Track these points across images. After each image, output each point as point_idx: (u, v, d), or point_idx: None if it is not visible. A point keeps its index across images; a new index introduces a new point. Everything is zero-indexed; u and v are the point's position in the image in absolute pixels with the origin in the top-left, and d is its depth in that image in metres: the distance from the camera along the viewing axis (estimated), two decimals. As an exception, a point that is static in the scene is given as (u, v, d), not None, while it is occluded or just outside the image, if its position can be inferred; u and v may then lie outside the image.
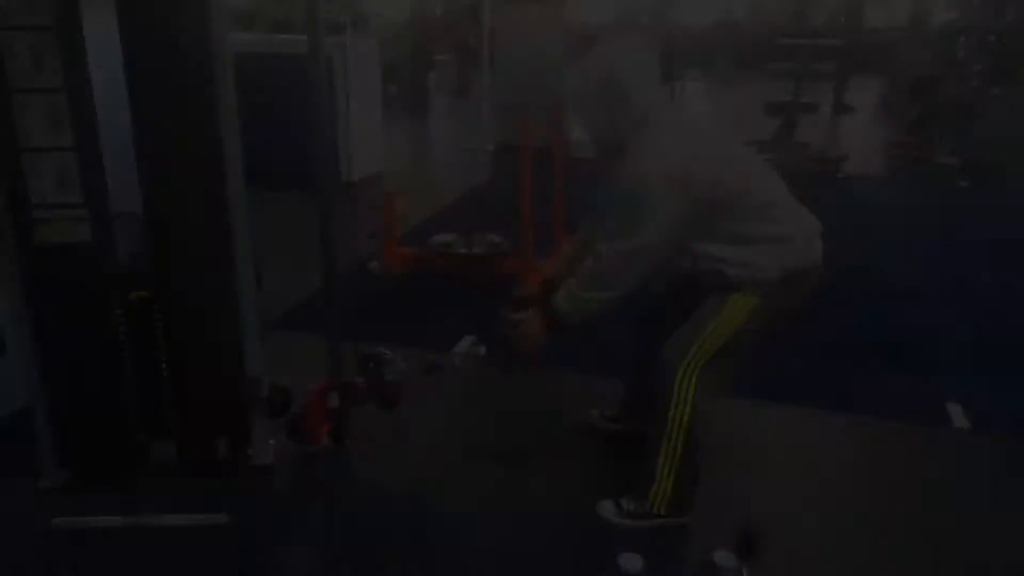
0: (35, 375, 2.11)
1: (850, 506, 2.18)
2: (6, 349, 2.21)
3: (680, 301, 2.06)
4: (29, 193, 1.95)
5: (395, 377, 2.41)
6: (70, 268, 2.03)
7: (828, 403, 2.71)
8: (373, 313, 3.40)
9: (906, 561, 1.96)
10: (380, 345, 2.43)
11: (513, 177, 3.66)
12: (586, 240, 2.23)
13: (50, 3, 1.83)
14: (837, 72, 9.28)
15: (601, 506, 2.13)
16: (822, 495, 2.23)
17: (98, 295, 2.08)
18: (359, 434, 2.41)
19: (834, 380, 2.89)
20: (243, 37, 5.92)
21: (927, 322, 3.41)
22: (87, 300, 2.08)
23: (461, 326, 3.19)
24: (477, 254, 3.83)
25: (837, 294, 2.78)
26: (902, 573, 1.93)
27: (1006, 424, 2.61)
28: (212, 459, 2.29)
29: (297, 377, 2.32)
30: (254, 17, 9.24)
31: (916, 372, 2.95)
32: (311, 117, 2.23)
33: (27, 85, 1.87)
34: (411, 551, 1.97)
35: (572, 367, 2.86)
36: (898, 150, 6.98)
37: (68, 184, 1.96)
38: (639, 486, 2.07)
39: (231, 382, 2.21)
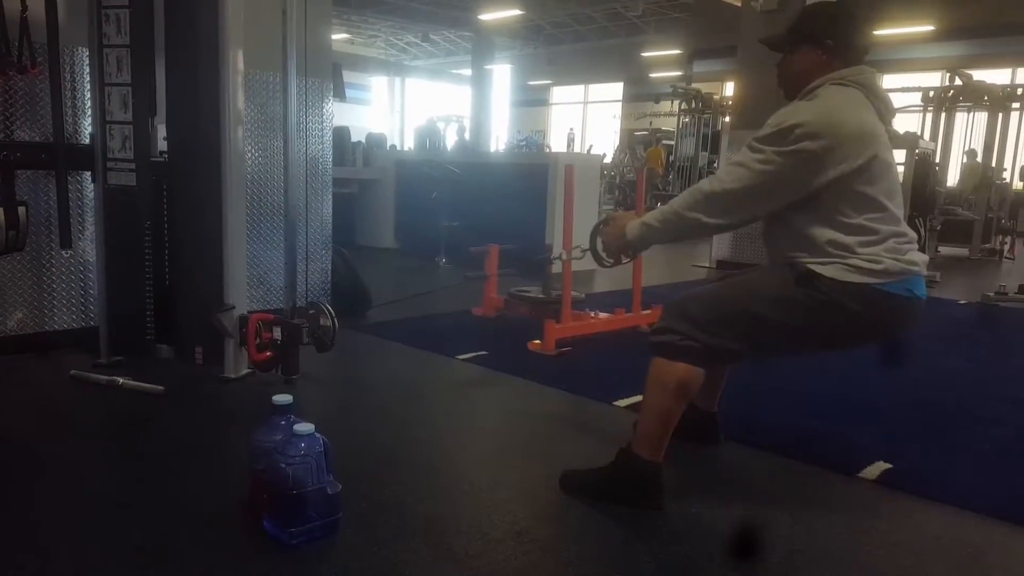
0: (101, 291, 3.13)
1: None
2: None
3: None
4: (107, 150, 3.02)
5: (329, 324, 2.96)
6: (124, 202, 3.04)
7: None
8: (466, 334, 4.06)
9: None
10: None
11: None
12: None
13: (129, 31, 2.91)
14: None
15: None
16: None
17: (138, 224, 3.06)
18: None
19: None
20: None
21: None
22: (131, 226, 3.06)
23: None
24: (551, 298, 4.17)
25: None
26: None
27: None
28: (192, 362, 3.07)
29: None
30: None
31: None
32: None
33: (112, 81, 2.96)
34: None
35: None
36: None
37: (127, 147, 2.99)
38: None
39: (211, 305, 2.98)
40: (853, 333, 1.98)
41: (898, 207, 1.95)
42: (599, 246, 2.33)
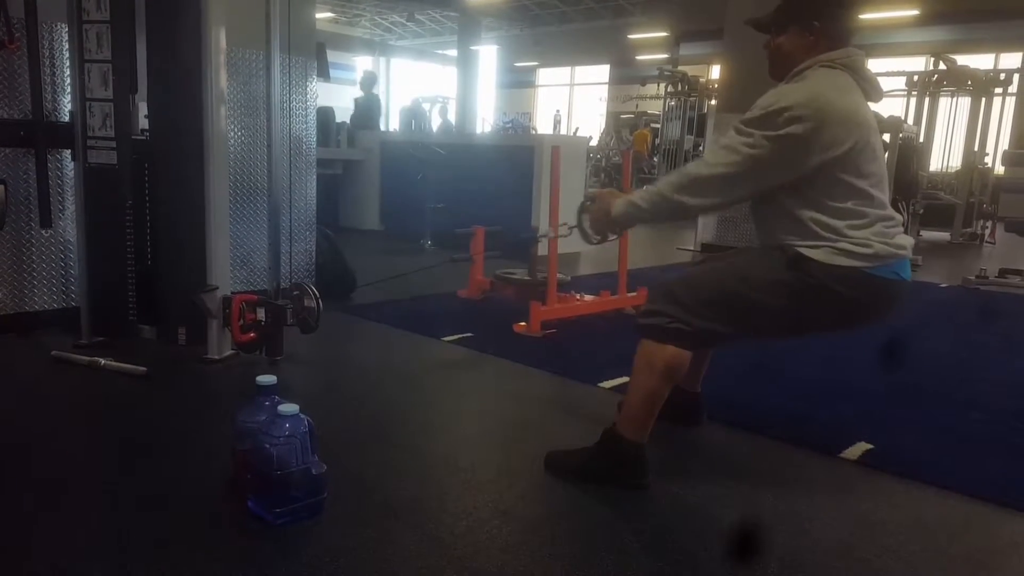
0: (82, 271, 3.09)
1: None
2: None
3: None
4: (87, 128, 2.97)
5: (313, 305, 2.95)
6: (105, 181, 2.99)
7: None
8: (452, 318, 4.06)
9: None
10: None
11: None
12: None
13: (109, 6, 2.86)
14: None
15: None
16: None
17: (119, 203, 3.02)
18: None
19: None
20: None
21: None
22: (113, 205, 3.03)
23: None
24: (537, 280, 4.17)
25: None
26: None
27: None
28: (175, 342, 3.05)
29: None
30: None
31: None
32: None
33: (92, 57, 2.91)
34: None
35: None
36: None
37: (108, 124, 2.95)
38: None
39: (194, 285, 2.95)
40: (842, 316, 2.00)
41: (884, 192, 1.96)
42: (585, 223, 2.31)
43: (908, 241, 1.97)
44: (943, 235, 9.32)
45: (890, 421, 2.66)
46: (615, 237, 2.38)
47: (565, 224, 2.64)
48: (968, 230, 9.44)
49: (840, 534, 1.84)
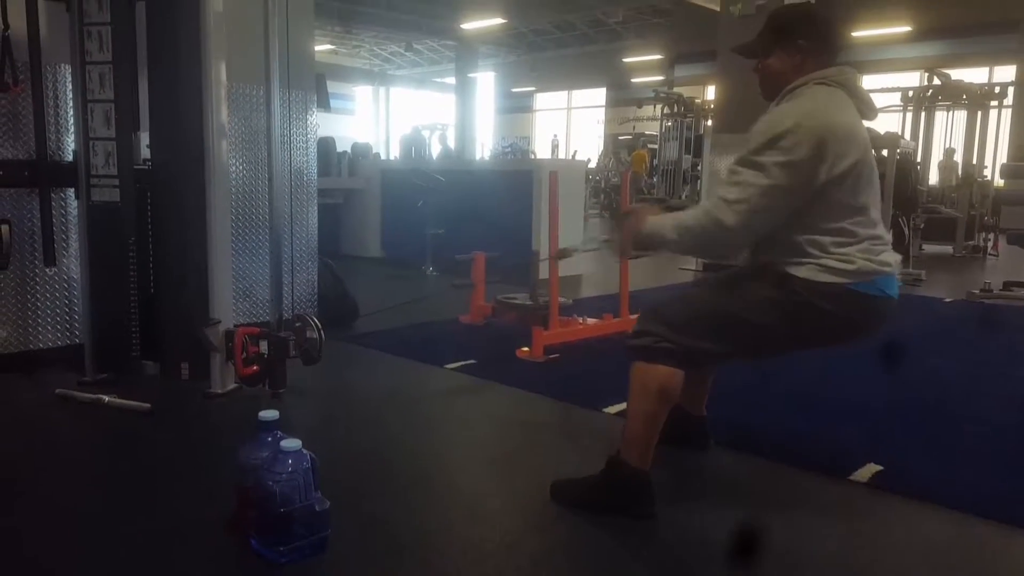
0: (86, 308, 3.11)
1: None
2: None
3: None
4: (91, 167, 3.00)
5: (316, 336, 2.95)
6: (108, 218, 3.02)
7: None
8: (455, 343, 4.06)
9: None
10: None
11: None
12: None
13: (111, 47, 2.90)
14: None
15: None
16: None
17: (122, 240, 3.04)
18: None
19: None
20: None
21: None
22: (116, 242, 3.05)
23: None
24: (539, 304, 4.17)
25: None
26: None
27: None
28: (178, 378, 3.05)
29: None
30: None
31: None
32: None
33: (95, 97, 2.94)
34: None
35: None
36: None
37: (111, 163, 2.97)
38: None
39: (197, 319, 2.96)
40: (827, 332, 2.00)
41: (878, 210, 1.98)
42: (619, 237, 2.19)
43: (894, 258, 1.98)
44: (946, 249, 9.32)
45: (898, 440, 2.65)
46: (648, 255, 2.29)
47: (596, 238, 2.58)
48: (970, 243, 9.43)
49: (850, 558, 1.83)
